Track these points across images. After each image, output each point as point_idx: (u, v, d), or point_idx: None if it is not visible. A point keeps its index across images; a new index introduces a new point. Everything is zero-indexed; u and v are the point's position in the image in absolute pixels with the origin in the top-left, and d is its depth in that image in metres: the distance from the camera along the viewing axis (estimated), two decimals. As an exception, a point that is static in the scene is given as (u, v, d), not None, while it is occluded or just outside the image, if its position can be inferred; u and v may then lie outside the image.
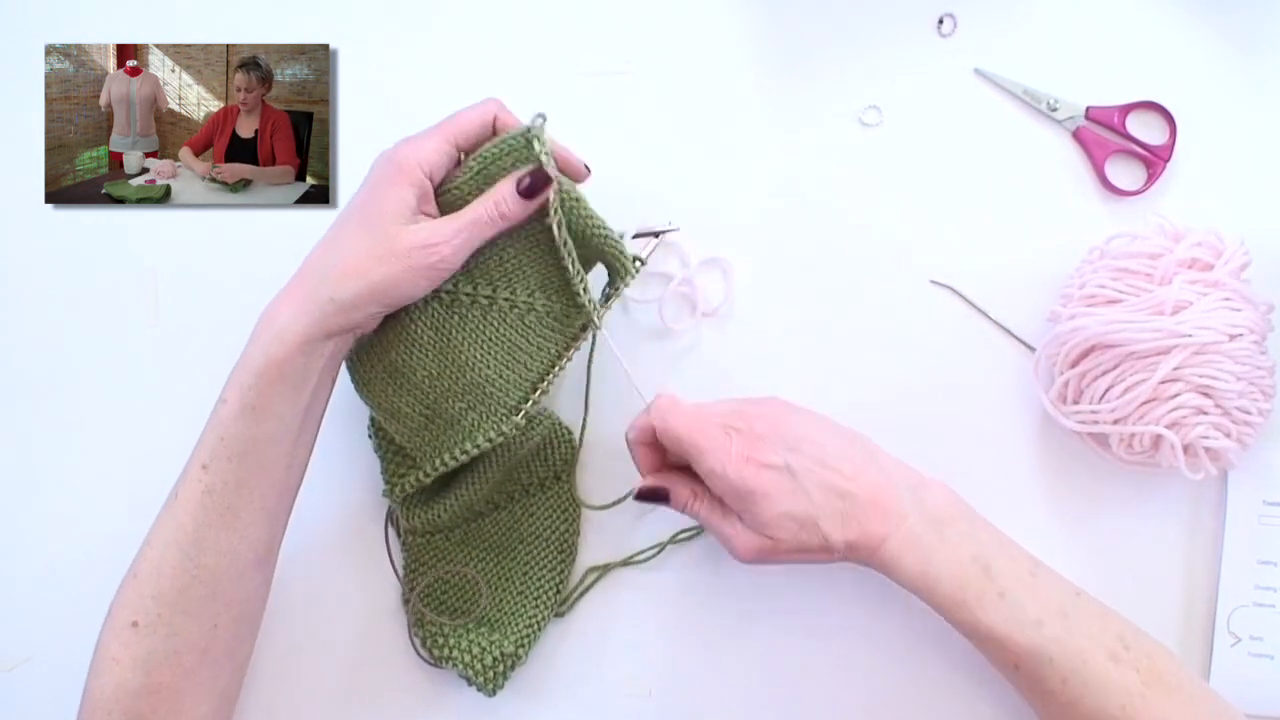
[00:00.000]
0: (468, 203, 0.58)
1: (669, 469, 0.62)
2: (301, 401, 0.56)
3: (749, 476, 0.57)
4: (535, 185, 0.57)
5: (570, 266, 0.60)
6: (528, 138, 0.57)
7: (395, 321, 0.59)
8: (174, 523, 0.55)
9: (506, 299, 0.61)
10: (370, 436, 0.65)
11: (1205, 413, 0.60)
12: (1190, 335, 0.58)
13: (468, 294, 0.61)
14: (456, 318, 0.60)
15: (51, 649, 0.67)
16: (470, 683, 0.63)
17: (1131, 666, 0.56)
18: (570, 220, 0.60)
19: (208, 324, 0.69)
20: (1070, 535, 0.67)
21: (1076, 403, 0.63)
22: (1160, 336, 0.59)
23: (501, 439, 0.61)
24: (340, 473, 0.68)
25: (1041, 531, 0.65)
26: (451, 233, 0.56)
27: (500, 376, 0.61)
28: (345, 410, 0.67)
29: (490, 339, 0.61)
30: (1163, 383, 0.59)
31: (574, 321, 0.63)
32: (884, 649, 0.66)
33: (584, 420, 0.67)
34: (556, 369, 0.63)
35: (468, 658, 0.63)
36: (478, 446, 0.61)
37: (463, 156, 0.59)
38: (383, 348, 0.59)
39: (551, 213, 0.59)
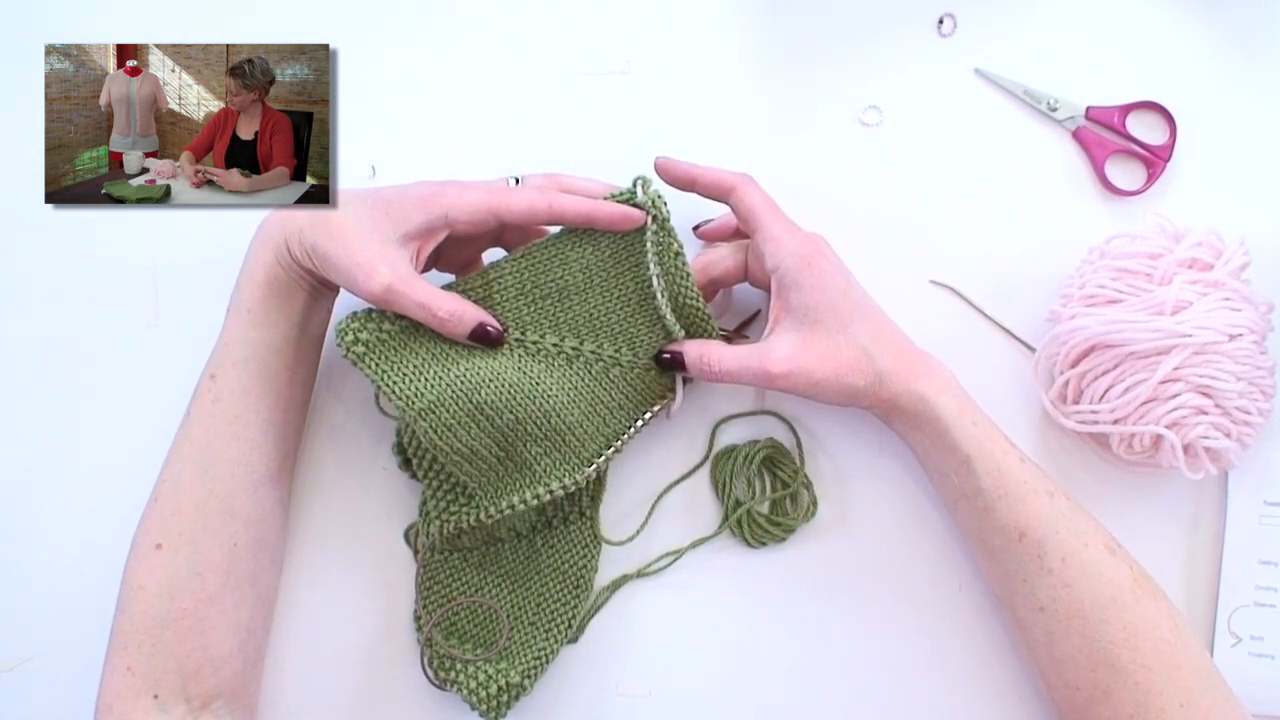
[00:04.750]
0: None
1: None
2: (294, 312, 0.59)
3: (813, 254, 0.59)
4: (483, 338, 0.60)
5: (671, 324, 0.61)
6: (642, 192, 0.61)
7: (484, 364, 0.59)
8: (187, 439, 0.58)
9: (593, 352, 0.62)
10: (403, 468, 0.65)
11: (1205, 413, 0.59)
12: (1190, 335, 0.58)
13: (554, 344, 0.62)
14: (543, 365, 0.61)
15: (51, 649, 0.67)
16: (473, 709, 0.63)
17: (1125, 563, 0.58)
18: (669, 278, 0.61)
19: (208, 324, 0.68)
20: (1070, 535, 0.66)
21: (1076, 403, 0.63)
22: (1160, 336, 0.59)
23: (574, 488, 0.62)
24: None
25: (1041, 531, 0.65)
26: (402, 282, 0.57)
27: (580, 426, 0.61)
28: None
29: (576, 388, 0.62)
30: (1163, 383, 0.59)
31: (655, 382, 0.64)
32: (885, 648, 0.66)
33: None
34: (633, 430, 0.64)
35: (473, 684, 0.63)
36: (551, 492, 0.61)
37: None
38: (471, 388, 0.59)
39: (652, 268, 0.61)
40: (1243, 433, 0.60)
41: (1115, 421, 0.61)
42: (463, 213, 0.58)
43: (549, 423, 0.60)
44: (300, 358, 0.61)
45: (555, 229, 0.63)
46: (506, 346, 0.61)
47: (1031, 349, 0.67)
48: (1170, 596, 0.58)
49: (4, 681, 0.67)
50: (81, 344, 0.70)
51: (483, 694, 0.62)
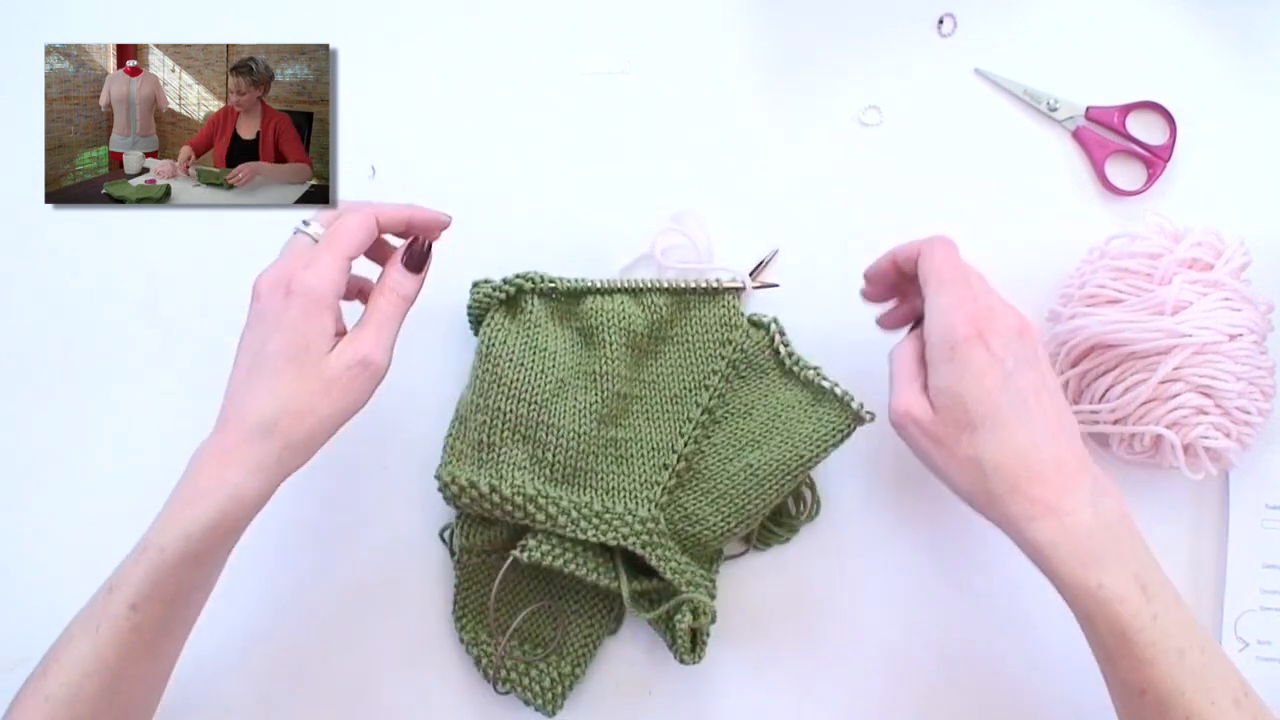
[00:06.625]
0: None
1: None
2: (236, 540, 0.55)
3: (965, 339, 0.54)
4: (416, 256, 0.58)
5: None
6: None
7: None
8: (95, 655, 0.53)
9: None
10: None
11: (1205, 413, 0.59)
12: (1190, 335, 0.58)
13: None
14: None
15: (50, 649, 0.67)
16: (529, 704, 0.63)
17: (1250, 714, 0.53)
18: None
19: (208, 324, 0.69)
20: (1071, 536, 0.66)
21: (1077, 403, 0.63)
22: (1160, 336, 0.59)
23: None
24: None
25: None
26: (374, 340, 0.55)
27: None
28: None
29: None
30: (1163, 383, 0.59)
31: None
32: (887, 647, 0.66)
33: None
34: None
35: (526, 680, 0.63)
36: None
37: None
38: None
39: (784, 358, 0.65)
40: (1243, 433, 0.60)
41: (1115, 421, 0.61)
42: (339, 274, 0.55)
43: None
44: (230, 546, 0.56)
45: None
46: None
47: (1032, 349, 0.67)
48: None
49: (4, 681, 0.67)
50: (81, 344, 0.70)
51: (537, 689, 0.63)
